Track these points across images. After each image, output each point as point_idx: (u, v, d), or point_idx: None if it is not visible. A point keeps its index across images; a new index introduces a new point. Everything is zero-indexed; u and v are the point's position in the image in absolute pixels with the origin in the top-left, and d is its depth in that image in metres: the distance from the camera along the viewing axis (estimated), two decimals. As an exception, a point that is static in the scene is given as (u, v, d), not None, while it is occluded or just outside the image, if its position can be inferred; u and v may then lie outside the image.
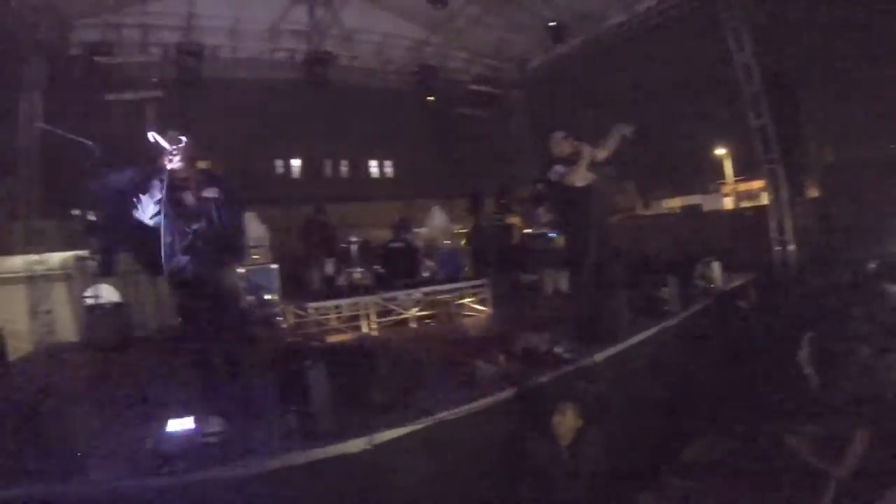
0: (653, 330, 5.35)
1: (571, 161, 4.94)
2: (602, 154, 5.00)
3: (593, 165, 4.97)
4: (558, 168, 4.99)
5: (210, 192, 3.69)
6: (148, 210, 3.47)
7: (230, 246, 3.81)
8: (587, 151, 4.90)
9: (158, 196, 3.42)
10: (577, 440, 3.69)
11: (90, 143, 4.29)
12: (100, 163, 4.21)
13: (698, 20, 9.45)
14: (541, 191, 8.65)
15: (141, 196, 3.46)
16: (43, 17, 8.59)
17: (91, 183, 4.27)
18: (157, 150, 3.44)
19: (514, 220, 9.15)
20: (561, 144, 5.04)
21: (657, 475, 4.18)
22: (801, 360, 4.22)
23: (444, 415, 3.67)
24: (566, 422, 3.69)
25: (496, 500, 3.70)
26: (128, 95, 9.21)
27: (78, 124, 4.74)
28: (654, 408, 4.64)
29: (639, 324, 5.40)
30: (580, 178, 4.90)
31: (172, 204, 3.49)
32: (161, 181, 3.41)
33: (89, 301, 7.97)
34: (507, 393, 4.04)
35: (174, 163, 3.44)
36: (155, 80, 9.37)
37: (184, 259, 3.60)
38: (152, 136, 3.41)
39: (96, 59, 9.00)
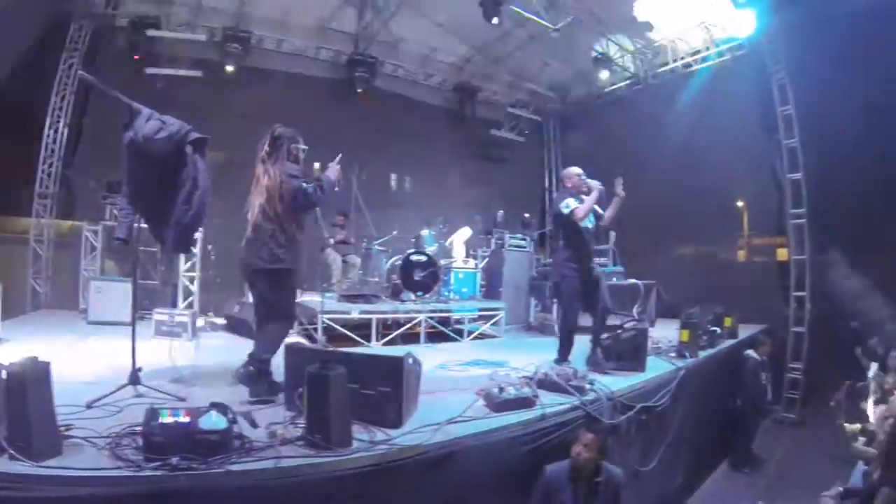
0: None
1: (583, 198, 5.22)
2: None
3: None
4: (571, 201, 5.17)
5: None
6: None
7: None
8: (597, 192, 5.14)
9: None
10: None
11: (131, 102, 3.82)
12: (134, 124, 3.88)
13: (745, 68, 9.44)
14: (527, 220, 10.00)
15: None
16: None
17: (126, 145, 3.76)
18: None
19: None
20: (574, 179, 5.27)
21: None
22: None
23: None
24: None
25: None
26: (167, 71, 9.16)
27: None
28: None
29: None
30: (586, 215, 5.13)
31: None
32: None
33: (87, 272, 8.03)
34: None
35: None
36: (197, 60, 9.36)
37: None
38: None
39: (142, 32, 8.97)
